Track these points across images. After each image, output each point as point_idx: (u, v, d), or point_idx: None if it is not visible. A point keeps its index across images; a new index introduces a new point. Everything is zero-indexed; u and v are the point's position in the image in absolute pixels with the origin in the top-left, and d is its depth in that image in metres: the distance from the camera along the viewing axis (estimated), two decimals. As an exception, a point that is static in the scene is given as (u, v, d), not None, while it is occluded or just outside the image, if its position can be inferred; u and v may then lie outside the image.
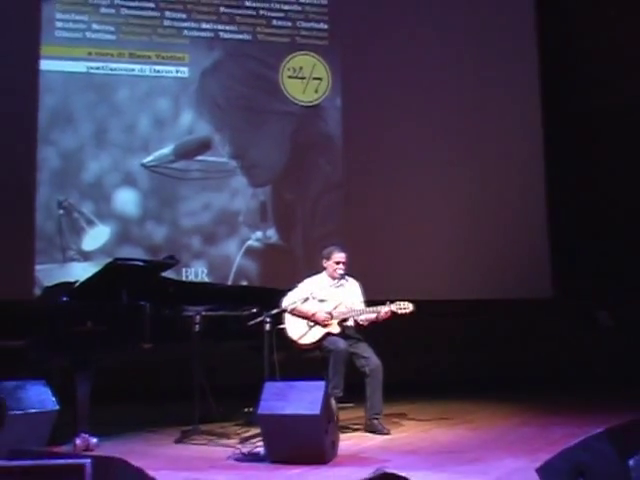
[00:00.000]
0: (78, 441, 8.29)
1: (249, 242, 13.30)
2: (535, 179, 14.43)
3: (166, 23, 13.25)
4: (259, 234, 13.38)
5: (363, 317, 9.79)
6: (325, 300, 9.86)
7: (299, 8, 13.85)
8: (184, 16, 13.32)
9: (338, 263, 10.00)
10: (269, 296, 9.92)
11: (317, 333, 9.76)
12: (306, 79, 13.83)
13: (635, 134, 14.42)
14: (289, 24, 13.81)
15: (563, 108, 15.00)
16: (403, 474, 3.62)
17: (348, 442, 8.75)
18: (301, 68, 13.80)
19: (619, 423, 6.50)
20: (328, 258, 10.09)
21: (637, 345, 13.79)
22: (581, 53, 15.23)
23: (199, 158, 13.25)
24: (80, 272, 11.23)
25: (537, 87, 14.75)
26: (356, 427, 9.67)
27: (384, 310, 9.56)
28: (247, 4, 13.62)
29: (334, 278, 10.02)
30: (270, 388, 8.17)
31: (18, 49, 12.50)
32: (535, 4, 14.87)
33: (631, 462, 5.87)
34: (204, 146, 13.31)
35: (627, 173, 14.45)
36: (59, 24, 12.82)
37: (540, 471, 6.38)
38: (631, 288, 13.64)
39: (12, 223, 12.26)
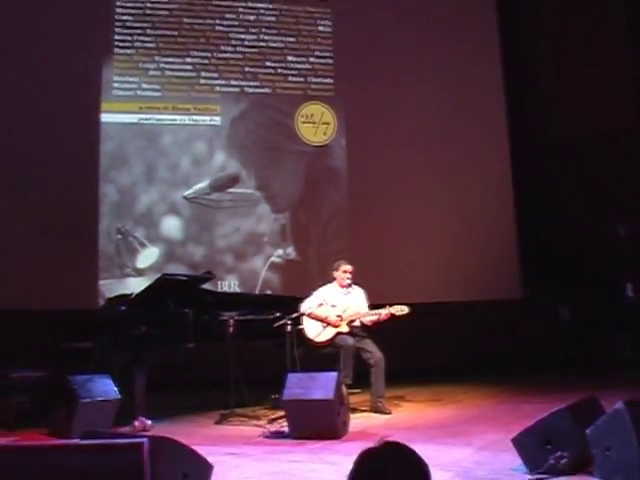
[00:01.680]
0: (137, 423, 8.36)
1: (272, 258, 13.30)
2: (505, 200, 14.43)
3: (202, 81, 13.30)
4: (280, 252, 13.37)
5: (367, 319, 9.84)
6: (336, 305, 9.91)
7: (310, 67, 13.88)
8: (216, 75, 13.36)
9: (345, 273, 10.07)
10: (289, 303, 9.95)
11: (330, 332, 9.79)
12: (316, 124, 13.85)
13: (586, 153, 14.56)
14: (302, 79, 13.84)
15: (528, 129, 15.10)
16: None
17: (357, 421, 8.80)
18: (312, 115, 13.82)
19: (578, 400, 6.53)
20: (337, 270, 10.16)
21: (592, 335, 13.79)
22: (541, 95, 15.34)
23: (230, 190, 13.27)
24: (135, 286, 11.28)
25: (504, 113, 14.78)
26: (363, 409, 9.68)
27: (385, 312, 9.61)
28: (267, 64, 13.66)
29: (342, 286, 10.09)
30: (292, 378, 8.22)
31: (83, 106, 12.59)
32: (501, 59, 14.93)
33: (588, 431, 5.90)
34: (234, 180, 13.33)
35: (582, 189, 14.53)
36: (116, 85, 12.89)
37: (515, 441, 6.41)
38: (588, 287, 13.66)
39: (80, 246, 12.33)
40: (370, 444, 2.78)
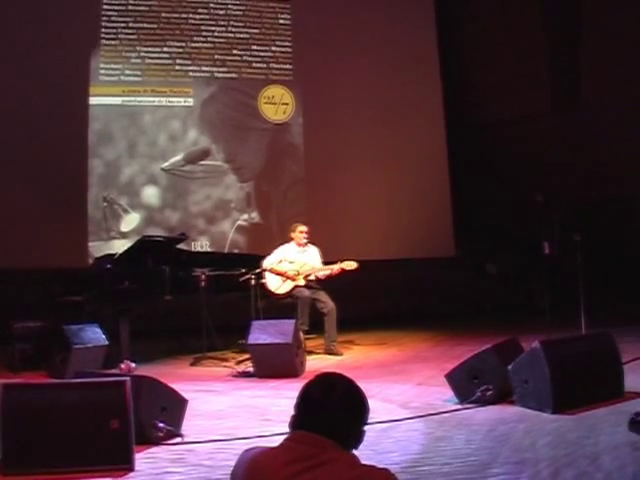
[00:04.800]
0: (122, 366, 8.37)
1: (238, 222, 13.29)
2: (441, 173, 14.52)
3: (177, 67, 13.17)
4: (245, 216, 13.36)
5: (321, 273, 9.90)
6: (293, 262, 9.94)
7: (271, 54, 13.80)
8: (189, 62, 13.25)
9: (301, 233, 10.11)
10: (253, 260, 9.98)
11: (288, 285, 9.84)
12: (277, 104, 13.80)
13: (511, 133, 14.79)
14: (264, 65, 13.77)
15: (461, 110, 15.21)
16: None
17: (313, 362, 8.88)
18: (273, 96, 13.77)
19: (501, 341, 6.63)
20: (294, 231, 10.20)
21: (515, 288, 13.97)
22: (471, 82, 15.42)
23: (202, 163, 13.22)
24: (120, 247, 11.23)
25: (441, 96, 14.82)
26: (318, 351, 9.75)
27: (336, 267, 9.70)
28: (234, 52, 13.56)
29: (299, 245, 10.12)
30: (256, 325, 8.27)
31: (74, 90, 12.47)
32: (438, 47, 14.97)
33: (509, 367, 6.02)
34: (205, 154, 13.28)
35: (507, 163, 14.69)
36: (102, 71, 12.75)
37: (447, 377, 6.52)
38: (511, 246, 13.84)
39: (72, 213, 12.32)
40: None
